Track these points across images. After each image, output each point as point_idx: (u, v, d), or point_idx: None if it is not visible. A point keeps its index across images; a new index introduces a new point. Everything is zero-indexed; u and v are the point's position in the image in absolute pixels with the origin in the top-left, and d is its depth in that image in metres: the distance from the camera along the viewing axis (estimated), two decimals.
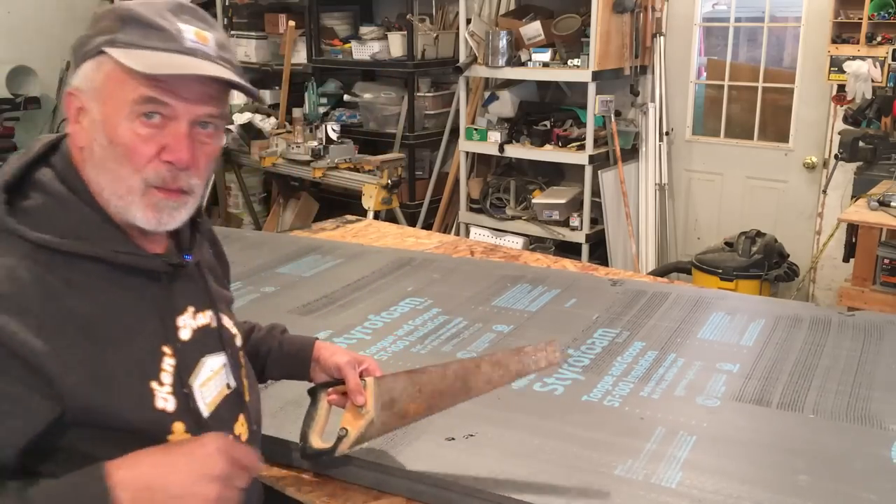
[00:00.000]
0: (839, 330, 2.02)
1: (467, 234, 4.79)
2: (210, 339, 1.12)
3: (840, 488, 1.37)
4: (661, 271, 4.20)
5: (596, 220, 4.47)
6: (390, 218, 4.45)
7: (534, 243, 4.54)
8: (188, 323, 1.08)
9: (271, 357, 1.37)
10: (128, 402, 0.97)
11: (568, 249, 4.39)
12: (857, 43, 3.68)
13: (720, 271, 3.84)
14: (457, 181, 4.89)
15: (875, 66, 3.61)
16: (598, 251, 4.52)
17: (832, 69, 3.79)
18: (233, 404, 1.13)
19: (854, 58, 3.66)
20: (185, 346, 1.06)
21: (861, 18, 3.67)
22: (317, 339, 1.40)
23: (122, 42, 0.98)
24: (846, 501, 1.34)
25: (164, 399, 1.00)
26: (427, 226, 4.97)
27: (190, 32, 1.01)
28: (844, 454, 1.47)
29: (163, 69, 0.97)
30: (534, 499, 1.21)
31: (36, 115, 6.06)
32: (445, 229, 5.05)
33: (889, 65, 3.54)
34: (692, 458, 1.46)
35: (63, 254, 0.96)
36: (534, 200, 4.54)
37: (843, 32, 3.78)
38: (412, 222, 4.94)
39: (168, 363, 1.02)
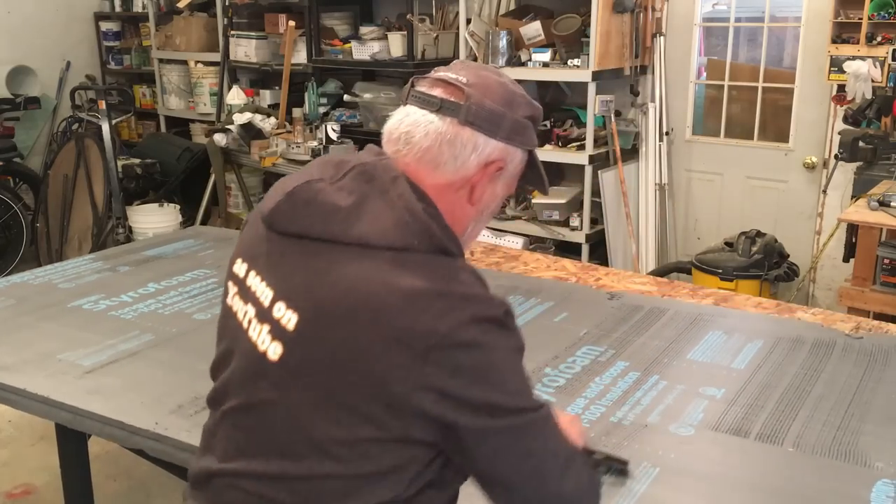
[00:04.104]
0: (842, 354, 1.92)
1: None
2: None
3: None
4: (661, 271, 4.19)
5: (596, 220, 4.46)
6: None
7: (534, 243, 4.53)
8: None
9: None
10: None
11: (568, 249, 4.38)
12: (857, 43, 3.67)
13: (720, 271, 3.84)
14: None
15: (875, 66, 3.60)
16: (598, 251, 4.51)
17: (832, 69, 3.78)
18: None
19: (854, 58, 3.66)
20: None
21: (861, 18, 3.66)
22: None
23: (535, 146, 1.19)
24: None
25: None
26: None
27: None
28: (819, 494, 1.38)
29: (546, 183, 1.25)
30: None
31: (36, 115, 6.05)
32: None
33: (889, 65, 3.54)
34: (650, 492, 1.38)
35: None
36: (534, 200, 4.54)
37: (843, 32, 3.77)
38: None
39: None
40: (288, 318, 1.05)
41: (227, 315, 1.18)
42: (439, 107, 1.10)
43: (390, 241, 1.03)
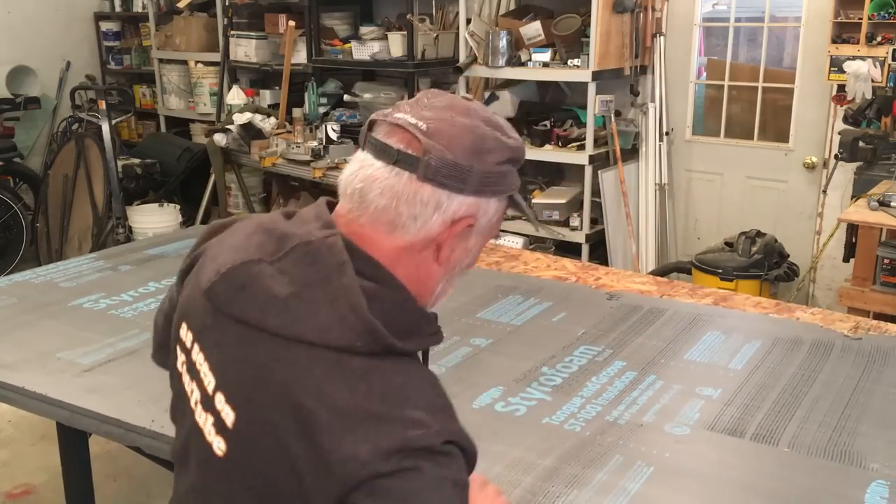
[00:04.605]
0: (841, 355, 1.91)
1: None
2: None
3: None
4: (661, 271, 4.19)
5: (596, 220, 4.46)
6: None
7: (534, 243, 4.53)
8: None
9: None
10: None
11: (568, 249, 4.38)
12: (857, 43, 3.68)
13: (720, 271, 3.84)
14: None
15: (875, 66, 3.60)
16: (598, 251, 4.51)
17: (832, 69, 3.78)
18: None
19: (854, 58, 3.66)
20: None
21: (861, 18, 3.66)
22: None
23: (516, 189, 1.06)
24: None
25: None
26: None
27: None
28: (814, 495, 1.38)
29: (533, 217, 1.17)
30: None
31: (36, 115, 6.05)
32: None
33: (889, 65, 3.54)
34: (643, 491, 1.38)
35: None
36: (534, 200, 4.54)
37: (843, 32, 3.77)
38: None
39: None
40: (227, 413, 0.99)
41: (177, 381, 1.11)
42: (395, 159, 0.98)
43: (331, 341, 0.94)
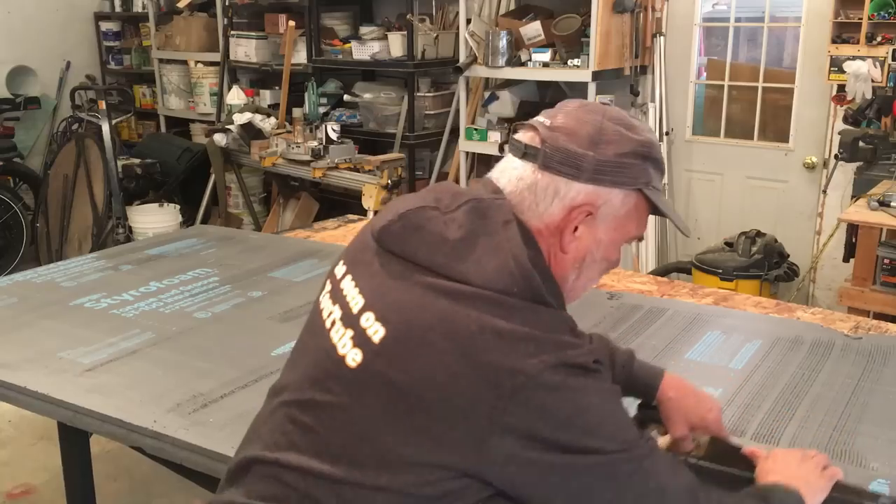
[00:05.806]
0: (841, 354, 1.91)
1: None
2: None
3: None
4: (662, 271, 4.19)
5: None
6: None
7: None
8: None
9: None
10: None
11: None
12: (857, 43, 3.68)
13: (720, 271, 3.84)
14: (457, 181, 4.89)
15: (875, 66, 3.60)
16: None
17: (832, 69, 3.78)
18: None
19: (854, 58, 3.66)
20: None
21: (861, 18, 3.67)
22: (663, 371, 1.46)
23: (653, 187, 1.12)
24: None
25: None
26: None
27: None
28: None
29: (679, 223, 1.18)
30: None
31: (36, 115, 6.06)
32: None
33: (889, 65, 3.54)
34: None
35: None
36: None
37: (843, 32, 3.77)
38: None
39: None
40: (375, 329, 1.05)
41: (315, 311, 1.19)
42: (523, 153, 1.11)
43: (491, 284, 1.03)
